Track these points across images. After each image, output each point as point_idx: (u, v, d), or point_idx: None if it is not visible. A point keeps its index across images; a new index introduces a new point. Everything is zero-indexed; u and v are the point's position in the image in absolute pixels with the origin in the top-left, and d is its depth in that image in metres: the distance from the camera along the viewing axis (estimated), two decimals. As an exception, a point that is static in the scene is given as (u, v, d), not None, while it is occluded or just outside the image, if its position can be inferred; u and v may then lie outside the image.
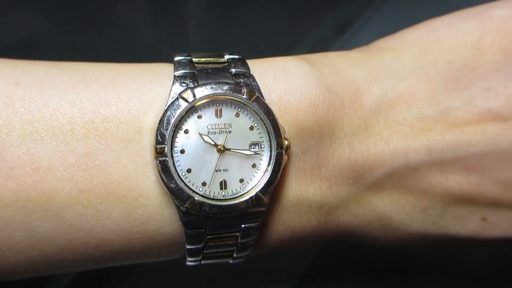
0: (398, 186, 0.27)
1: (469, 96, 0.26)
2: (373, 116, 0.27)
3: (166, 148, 0.22)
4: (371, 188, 0.27)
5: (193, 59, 0.25)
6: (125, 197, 0.23)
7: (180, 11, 0.44)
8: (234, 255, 0.27)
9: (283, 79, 0.26)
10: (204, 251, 0.25)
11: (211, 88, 0.24)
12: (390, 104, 0.27)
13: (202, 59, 0.25)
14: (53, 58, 0.25)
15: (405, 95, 0.27)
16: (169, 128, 0.23)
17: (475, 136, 0.26)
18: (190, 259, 0.26)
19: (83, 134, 0.23)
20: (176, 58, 0.25)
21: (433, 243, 0.29)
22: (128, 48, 0.42)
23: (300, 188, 0.26)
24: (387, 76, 0.27)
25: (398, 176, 0.26)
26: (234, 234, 0.25)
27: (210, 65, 0.25)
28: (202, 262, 0.27)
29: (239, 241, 0.25)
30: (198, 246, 0.25)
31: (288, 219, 0.26)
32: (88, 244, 0.24)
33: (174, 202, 0.23)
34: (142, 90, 0.24)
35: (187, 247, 0.25)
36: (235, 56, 0.26)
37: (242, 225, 0.24)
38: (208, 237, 0.24)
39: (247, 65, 0.26)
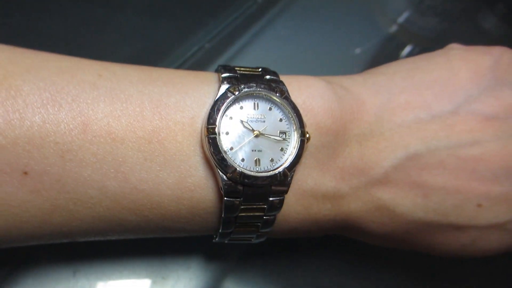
0: (402, 176, 0.32)
1: (455, 103, 0.33)
2: (378, 121, 0.33)
3: (216, 128, 0.28)
4: (378, 179, 0.32)
5: (235, 68, 0.32)
6: (179, 168, 0.29)
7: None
8: (260, 231, 0.32)
9: (306, 88, 0.32)
10: (236, 222, 0.31)
11: (252, 86, 0.30)
12: (391, 111, 0.33)
13: (242, 68, 0.32)
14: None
15: (403, 104, 0.33)
16: (219, 114, 0.29)
17: (466, 136, 0.32)
18: (222, 231, 0.31)
19: (150, 116, 0.29)
20: (221, 65, 0.32)
21: (435, 230, 0.33)
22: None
23: (318, 175, 0.32)
24: (385, 92, 0.34)
25: (401, 167, 0.32)
26: (263, 206, 0.30)
27: (248, 72, 0.32)
28: (231, 236, 0.32)
29: (265, 213, 0.30)
30: (232, 215, 0.30)
31: (306, 201, 0.32)
32: (144, 206, 0.29)
33: (219, 172, 0.28)
34: (194, 88, 0.31)
35: (223, 216, 0.30)
36: (267, 68, 0.33)
37: (270, 198, 0.30)
38: (242, 207, 0.30)
39: (278, 74, 0.32)
